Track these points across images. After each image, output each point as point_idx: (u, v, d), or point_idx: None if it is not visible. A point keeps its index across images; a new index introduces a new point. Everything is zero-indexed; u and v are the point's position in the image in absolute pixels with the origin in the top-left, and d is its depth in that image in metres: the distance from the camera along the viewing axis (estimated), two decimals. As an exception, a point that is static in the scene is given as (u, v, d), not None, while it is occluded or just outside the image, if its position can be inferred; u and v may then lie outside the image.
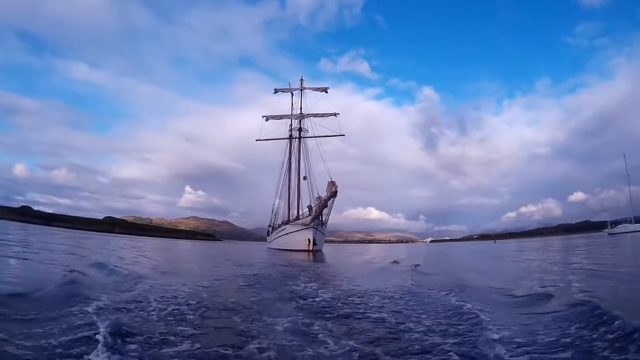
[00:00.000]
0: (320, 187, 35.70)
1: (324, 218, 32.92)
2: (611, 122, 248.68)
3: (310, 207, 33.90)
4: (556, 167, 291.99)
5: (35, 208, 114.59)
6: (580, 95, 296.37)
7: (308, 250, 30.92)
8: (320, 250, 32.72)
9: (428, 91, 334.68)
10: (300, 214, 39.58)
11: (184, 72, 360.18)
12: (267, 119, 43.01)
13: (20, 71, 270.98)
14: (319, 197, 32.92)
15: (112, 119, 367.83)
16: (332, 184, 29.64)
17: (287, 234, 36.02)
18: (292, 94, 44.29)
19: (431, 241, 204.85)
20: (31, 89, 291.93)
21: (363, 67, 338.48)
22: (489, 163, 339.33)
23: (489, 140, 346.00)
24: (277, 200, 47.67)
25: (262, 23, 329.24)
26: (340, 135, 40.86)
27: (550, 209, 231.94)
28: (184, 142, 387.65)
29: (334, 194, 29.81)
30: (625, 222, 52.91)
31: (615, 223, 55.63)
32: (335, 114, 40.94)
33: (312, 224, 31.80)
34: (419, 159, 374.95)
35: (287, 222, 40.05)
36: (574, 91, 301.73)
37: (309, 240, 31.84)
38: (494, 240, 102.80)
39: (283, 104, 44.62)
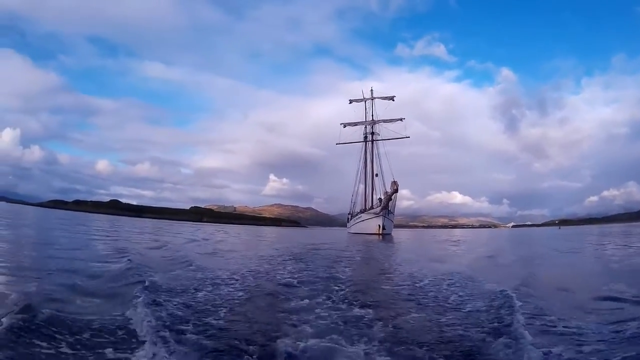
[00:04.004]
0: (388, 182, 43.50)
1: (390, 207, 41.18)
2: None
3: (380, 200, 42.38)
4: (638, 148, 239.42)
5: (122, 201, 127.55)
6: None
7: (379, 234, 39.56)
8: (389, 234, 41.05)
9: (506, 72, 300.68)
10: (373, 204, 48.18)
11: (259, 63, 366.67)
12: (345, 126, 52.14)
13: (95, 74, 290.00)
14: (386, 192, 41.16)
15: (192, 113, 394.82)
16: (394, 183, 38.00)
17: (362, 220, 45.16)
18: (365, 102, 52.36)
19: (513, 226, 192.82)
20: (108, 89, 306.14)
21: (440, 50, 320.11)
22: (570, 144, 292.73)
23: (570, 121, 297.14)
24: (358, 186, 55.96)
25: (334, 12, 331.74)
26: (406, 137, 48.30)
27: (632, 193, 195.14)
28: (264, 132, 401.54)
29: (395, 191, 38.41)
30: None
31: None
32: (401, 119, 48.40)
33: (381, 212, 40.41)
34: (500, 141, 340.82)
35: (363, 211, 49.07)
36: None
37: (379, 225, 40.46)
38: (558, 227, 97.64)
39: (358, 111, 52.62)
